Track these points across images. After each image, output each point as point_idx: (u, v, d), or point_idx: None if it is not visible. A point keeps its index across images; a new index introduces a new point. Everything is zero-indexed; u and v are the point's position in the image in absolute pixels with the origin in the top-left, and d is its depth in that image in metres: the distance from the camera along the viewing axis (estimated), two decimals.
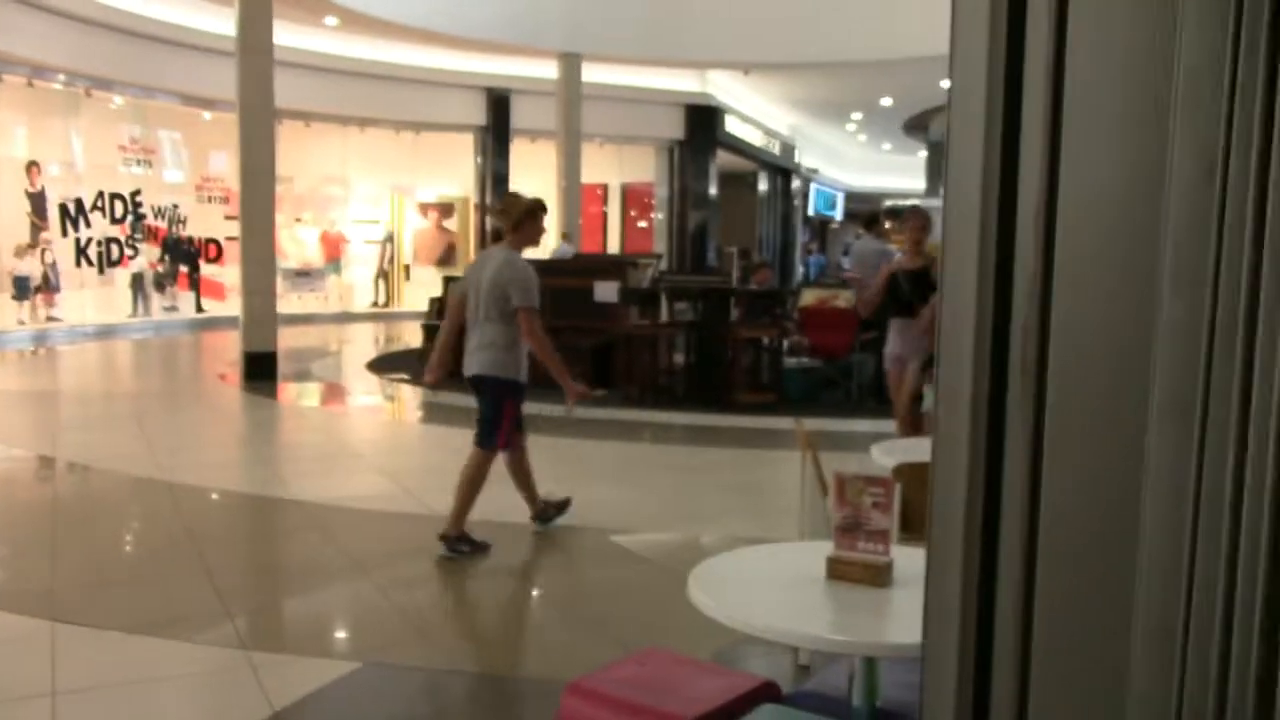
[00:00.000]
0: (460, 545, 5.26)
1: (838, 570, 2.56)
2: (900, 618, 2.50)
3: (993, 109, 1.14)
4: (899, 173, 35.39)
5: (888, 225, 10.83)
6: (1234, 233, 0.92)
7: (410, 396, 11.46)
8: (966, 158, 1.17)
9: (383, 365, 13.53)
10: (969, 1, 1.15)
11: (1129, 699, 1.02)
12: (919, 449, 4.60)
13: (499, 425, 5.34)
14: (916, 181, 30.22)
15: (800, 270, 28.78)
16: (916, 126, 26.42)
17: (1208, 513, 0.94)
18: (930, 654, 1.22)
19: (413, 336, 15.47)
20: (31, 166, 17.29)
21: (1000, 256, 1.14)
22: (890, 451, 4.41)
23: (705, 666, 2.99)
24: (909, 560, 2.67)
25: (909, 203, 37.06)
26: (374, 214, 23.02)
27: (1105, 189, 1.05)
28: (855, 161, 36.18)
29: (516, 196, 5.62)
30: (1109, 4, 1.05)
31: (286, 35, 13.69)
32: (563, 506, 5.84)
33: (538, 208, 5.47)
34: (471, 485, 5.34)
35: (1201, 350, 0.94)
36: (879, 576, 2.53)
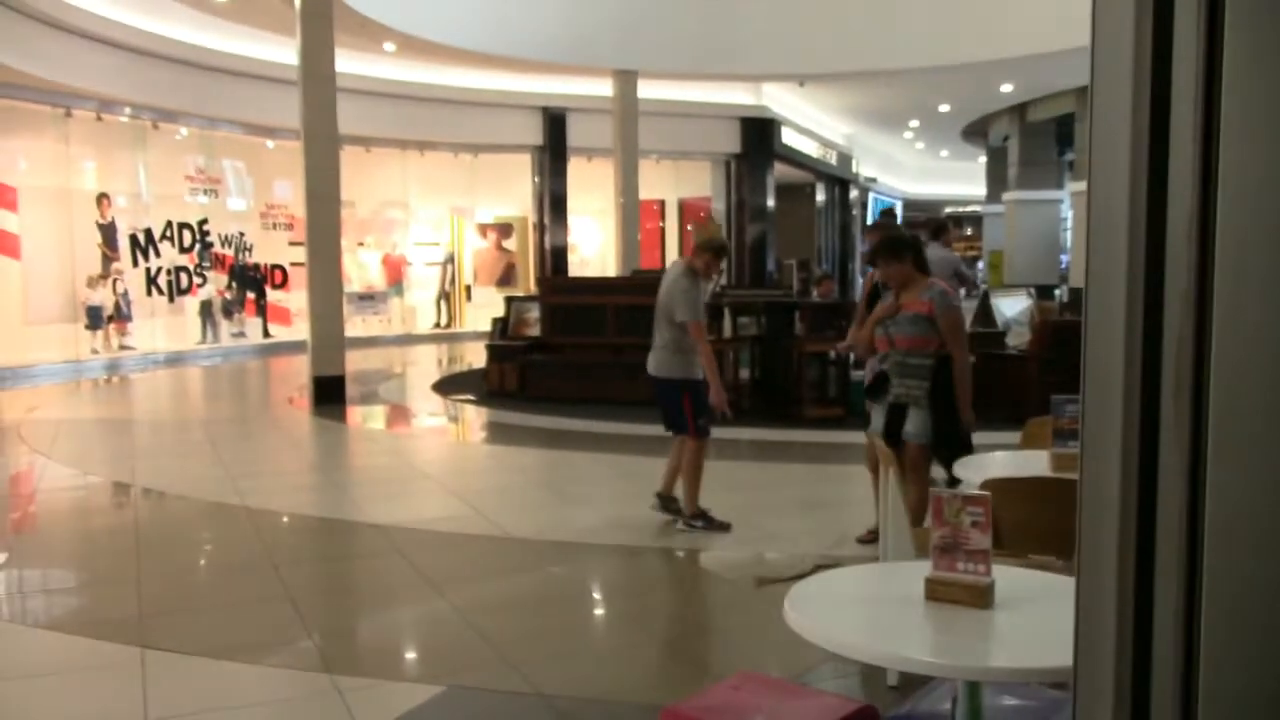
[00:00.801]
0: (695, 521, 6.04)
1: (937, 591, 2.50)
2: (1005, 640, 2.43)
3: (1139, 113, 1.09)
4: (958, 179, 35.08)
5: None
6: None
7: (475, 417, 11.51)
8: (1110, 169, 1.11)
9: (448, 386, 13.63)
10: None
11: None
12: (998, 463, 4.51)
13: (684, 416, 6.06)
14: (976, 188, 29.93)
15: (860, 280, 28.57)
16: (975, 132, 26.14)
17: None
18: (1083, 691, 1.16)
19: (475, 357, 15.56)
20: (102, 199, 17.70)
21: (1150, 271, 1.08)
22: (974, 466, 4.32)
23: (801, 690, 2.93)
24: (1008, 580, 2.60)
25: (970, 209, 36.60)
26: (434, 236, 23.24)
27: (1270, 202, 1.00)
28: (913, 169, 35.91)
29: (704, 227, 6.33)
30: None
31: (346, 62, 13.89)
32: (710, 521, 6.13)
33: (714, 249, 6.09)
34: (692, 471, 6.11)
35: None
36: (980, 598, 2.47)
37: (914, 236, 5.58)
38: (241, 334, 19.81)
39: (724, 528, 6.03)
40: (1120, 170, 1.10)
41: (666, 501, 6.23)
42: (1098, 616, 1.14)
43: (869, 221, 32.21)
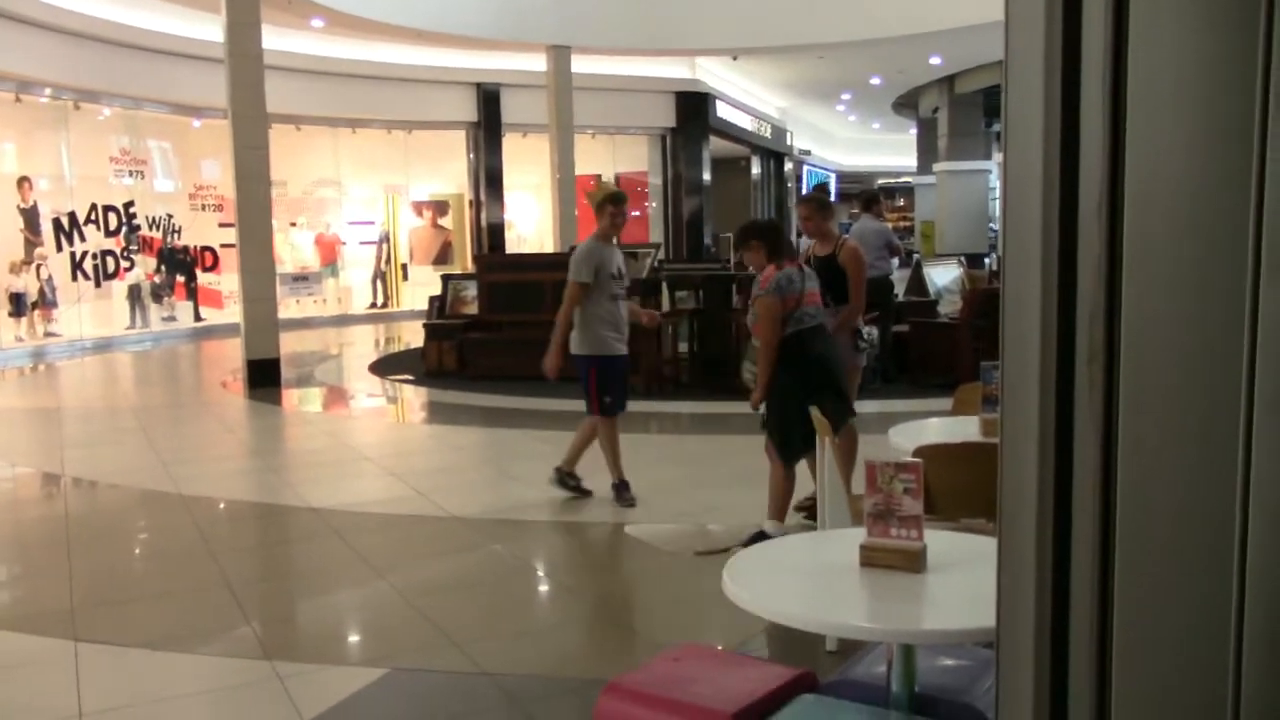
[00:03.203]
0: (569, 478, 6.19)
1: (872, 557, 2.54)
2: (938, 604, 2.49)
3: (1051, 86, 1.10)
4: (890, 151, 35.41)
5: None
6: None
7: (413, 397, 11.44)
8: (1024, 141, 1.13)
9: (385, 367, 13.51)
10: None
11: (1241, 702, 0.99)
12: (932, 430, 4.58)
13: (590, 395, 5.96)
14: (907, 159, 30.21)
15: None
16: (906, 104, 26.36)
17: None
18: (1005, 645, 1.19)
19: (413, 336, 15.43)
20: (23, 182, 17.21)
21: (1064, 241, 1.11)
22: (907, 433, 4.39)
23: (741, 659, 2.97)
24: (940, 544, 2.65)
25: (902, 181, 37.05)
26: (369, 215, 22.95)
27: (1176, 171, 1.02)
28: (846, 142, 36.17)
29: (595, 187, 6.14)
30: None
31: (274, 39, 13.61)
32: (578, 487, 6.22)
33: (605, 200, 5.99)
34: (582, 440, 6.17)
35: None
36: (913, 562, 2.51)
37: (771, 223, 5.74)
38: (172, 318, 19.42)
39: (631, 503, 6.03)
40: (1033, 144, 1.11)
41: (564, 477, 6.22)
42: (1018, 577, 1.17)
43: (804, 194, 32.47)
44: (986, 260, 20.26)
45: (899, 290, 11.44)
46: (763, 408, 5.21)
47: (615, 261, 5.98)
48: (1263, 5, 0.95)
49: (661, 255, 17.50)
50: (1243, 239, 0.97)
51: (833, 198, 38.96)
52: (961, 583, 2.48)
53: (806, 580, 2.68)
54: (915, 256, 16.80)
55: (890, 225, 10.77)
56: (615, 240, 6.11)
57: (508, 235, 22.64)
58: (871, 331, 6.14)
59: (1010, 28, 1.15)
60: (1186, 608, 1.05)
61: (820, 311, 5.21)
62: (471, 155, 22.62)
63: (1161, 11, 1.03)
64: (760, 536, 4.91)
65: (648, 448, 8.19)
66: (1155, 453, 1.05)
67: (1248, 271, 0.97)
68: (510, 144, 22.43)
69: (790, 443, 5.09)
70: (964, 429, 4.23)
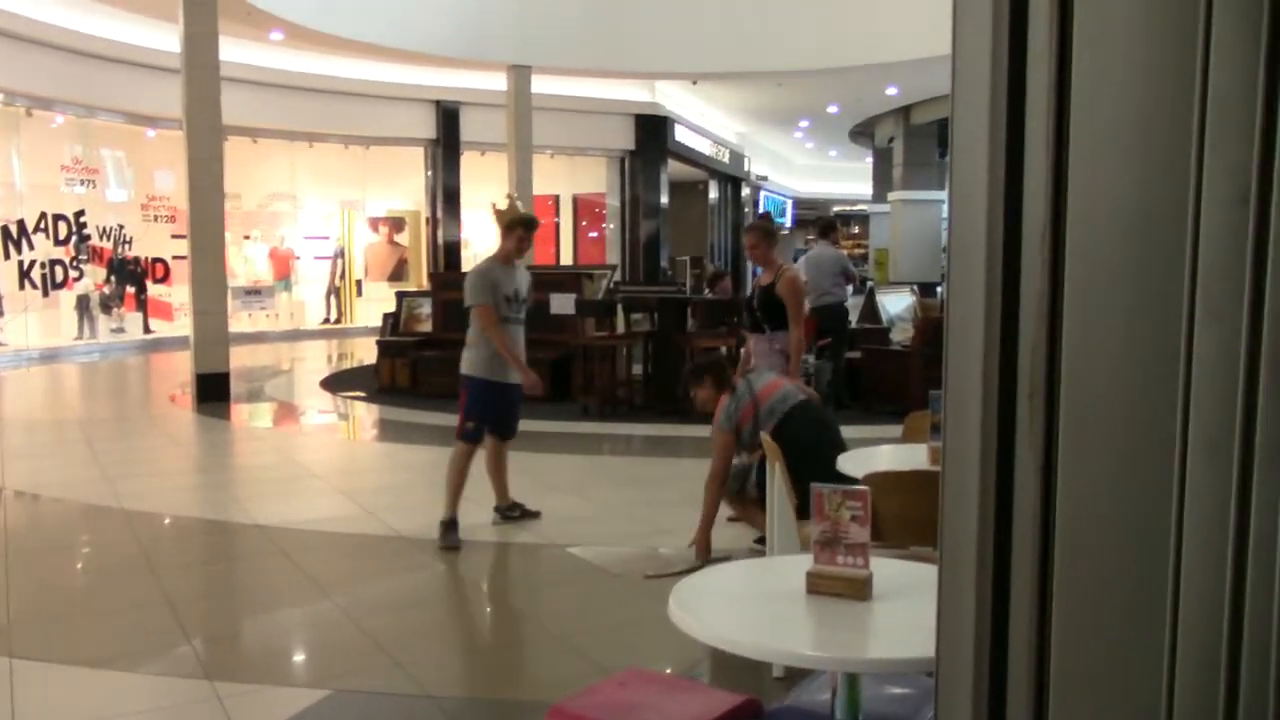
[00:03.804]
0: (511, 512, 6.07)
1: (818, 585, 2.54)
2: (883, 632, 2.49)
3: (996, 123, 1.12)
4: (847, 178, 35.74)
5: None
6: (1277, 262, 0.90)
7: (365, 414, 11.33)
8: (969, 174, 1.14)
9: (337, 383, 13.38)
10: (970, 13, 1.13)
11: None
12: (883, 457, 4.61)
13: (462, 421, 5.80)
14: (863, 187, 30.51)
15: (751, 279, 28.91)
16: (862, 133, 26.67)
17: (1258, 549, 0.93)
18: (944, 674, 1.19)
19: (366, 353, 15.30)
20: None
21: (1007, 273, 1.12)
22: (857, 460, 4.41)
23: (686, 685, 2.96)
24: (886, 572, 2.66)
25: (857, 208, 37.29)
26: (324, 230, 22.78)
27: (1116, 208, 1.04)
28: (803, 169, 36.48)
29: (499, 209, 5.90)
30: (1112, 12, 1.03)
31: (231, 50, 13.51)
32: (524, 512, 6.14)
33: (513, 223, 5.80)
34: (492, 469, 6.04)
35: (1240, 383, 0.93)
36: (859, 590, 2.52)
37: (711, 360, 5.85)
38: (121, 329, 19.11)
39: (454, 546, 5.60)
40: (978, 179, 1.13)
41: (506, 511, 6.09)
42: (958, 607, 1.18)
43: (749, 222, 32.73)
44: (939, 289, 20.52)
45: (852, 317, 11.54)
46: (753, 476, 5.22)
47: (513, 284, 5.75)
48: (1199, 45, 0.97)
49: (618, 277, 17.54)
50: (1179, 277, 0.99)
51: (789, 224, 38.96)
52: (907, 611, 2.48)
53: (753, 606, 2.68)
54: (869, 284, 16.96)
55: (846, 252, 10.87)
56: (516, 263, 5.86)
57: (464, 253, 22.57)
58: (808, 360, 6.14)
59: (957, 64, 1.16)
60: (1122, 638, 1.06)
61: (792, 392, 5.03)
62: (429, 172, 22.55)
63: (1103, 51, 1.05)
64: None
65: (599, 469, 8.17)
66: (1093, 485, 1.07)
67: (1183, 309, 0.99)
68: (469, 162, 22.39)
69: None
70: (913, 456, 4.25)
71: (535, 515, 6.13)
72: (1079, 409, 1.07)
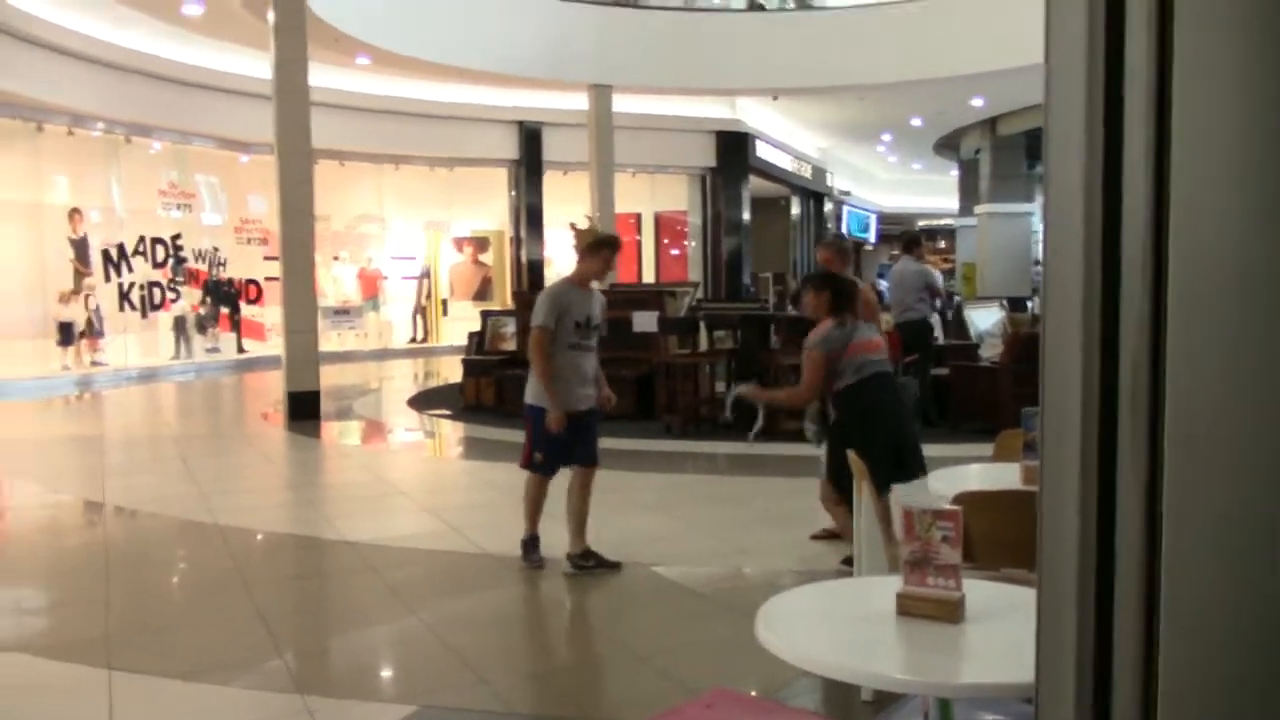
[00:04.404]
0: (583, 561, 5.57)
1: (908, 606, 2.50)
2: (976, 656, 2.44)
3: (1092, 133, 1.09)
4: (931, 192, 35.28)
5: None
6: None
7: (451, 432, 11.47)
8: (1065, 188, 1.12)
9: (423, 401, 13.57)
10: (1062, 21, 1.11)
11: None
12: (973, 476, 4.52)
13: (528, 449, 5.64)
14: (949, 200, 30.08)
15: None
16: (947, 145, 26.31)
17: None
18: (1044, 701, 1.16)
19: (452, 371, 15.52)
20: (74, 213, 17.56)
21: (1106, 289, 1.09)
22: (947, 479, 4.33)
23: (774, 707, 2.93)
24: (979, 594, 2.60)
25: (943, 222, 36.68)
26: (410, 250, 23.19)
27: (1221, 220, 1.00)
28: (887, 183, 36.11)
29: (577, 228, 5.65)
30: (1213, 16, 1.00)
31: (320, 76, 13.86)
32: (600, 561, 5.63)
33: (600, 243, 5.56)
34: (528, 500, 5.74)
35: None
36: (951, 612, 2.47)
37: (850, 280, 5.63)
38: (215, 349, 19.67)
39: (537, 564, 5.58)
40: (1074, 192, 1.10)
41: (579, 560, 5.57)
42: (1058, 632, 1.15)
43: (824, 239, 32.48)
44: (1029, 304, 20.13)
45: (939, 333, 11.37)
46: (823, 450, 5.22)
47: (587, 309, 5.49)
48: None
49: (700, 294, 17.55)
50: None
51: (873, 239, 38.58)
52: (1001, 634, 2.43)
53: (841, 628, 2.64)
54: (956, 299, 16.71)
55: (932, 267, 10.75)
56: (596, 285, 5.67)
57: (547, 272, 22.77)
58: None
59: (1051, 74, 1.14)
60: (1234, 664, 1.02)
61: (882, 359, 5.19)
62: (512, 192, 22.83)
63: (1205, 58, 1.01)
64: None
65: (682, 488, 8.15)
66: (1201, 505, 1.03)
67: None
68: (551, 181, 22.62)
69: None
70: (1005, 476, 4.16)
71: (614, 567, 5.59)
72: (1185, 425, 1.04)
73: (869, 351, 5.13)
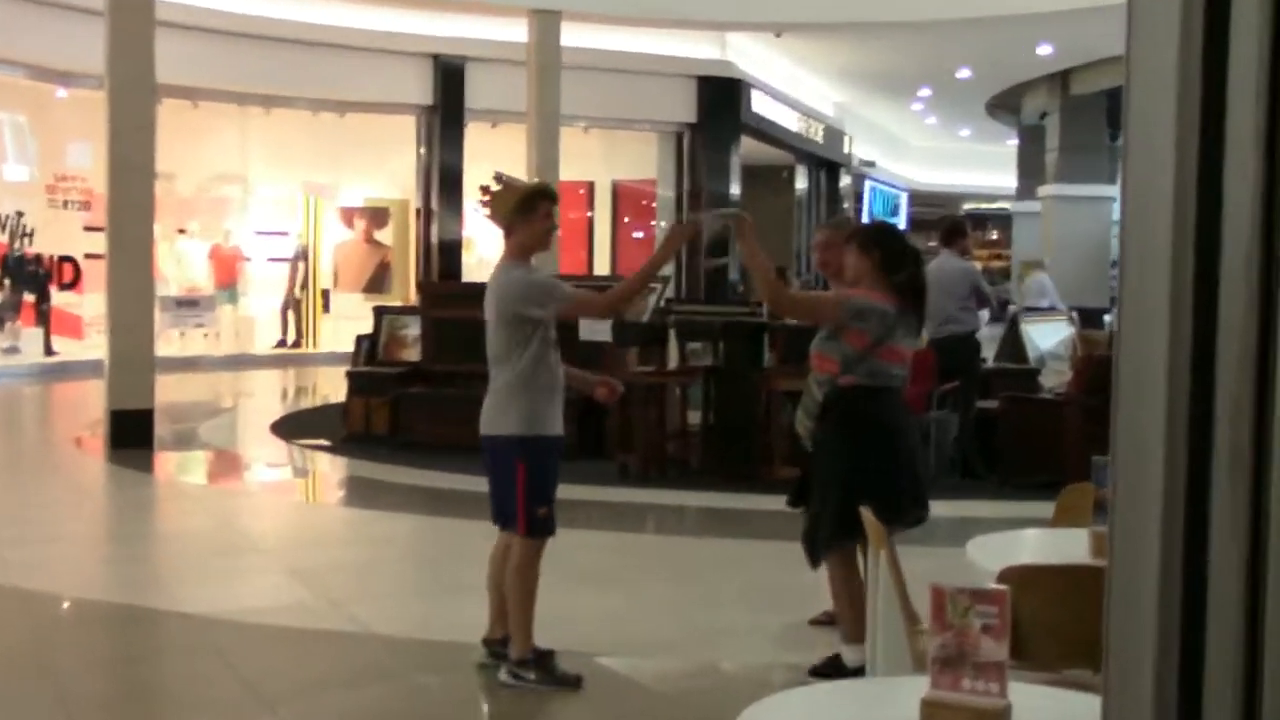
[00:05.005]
0: (524, 671, 5.19)
1: (937, 717, 2.52)
2: None
3: (1186, 96, 1.11)
4: (981, 166, 35.66)
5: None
6: None
7: (329, 470, 11.41)
8: (1149, 165, 1.13)
9: (293, 427, 13.48)
10: None
11: None
12: (1027, 545, 4.56)
13: (514, 502, 5.31)
14: (1004, 178, 30.44)
15: None
16: (1004, 106, 26.62)
17: None
18: None
19: (332, 388, 15.42)
20: None
21: (1200, 299, 1.10)
22: (991, 548, 4.37)
23: None
24: (1030, 701, 2.63)
25: (996, 207, 37.03)
26: (282, 223, 23.07)
27: None
28: (923, 152, 36.45)
29: (502, 185, 5.48)
30: None
31: None
32: (561, 677, 5.36)
33: (537, 195, 5.45)
34: (519, 585, 5.33)
35: None
36: None
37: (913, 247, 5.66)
38: (14, 349, 19.40)
39: (572, 682, 5.25)
40: (1162, 171, 1.12)
41: (496, 647, 5.39)
42: None
43: (867, 218, 32.62)
44: (1107, 318, 20.36)
45: (987, 353, 11.46)
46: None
47: None
48: None
49: (670, 293, 17.56)
50: None
51: (903, 224, 38.91)
52: None
53: None
54: (1011, 309, 16.87)
55: (978, 265, 10.84)
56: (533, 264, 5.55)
57: (465, 258, 22.74)
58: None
59: (1134, 11, 1.16)
60: None
61: (902, 374, 5.29)
62: (422, 149, 22.79)
63: None
64: (835, 667, 5.00)
65: (640, 552, 8.15)
66: None
67: None
68: (476, 136, 22.59)
69: (823, 530, 5.15)
70: (1069, 545, 4.20)
71: (575, 683, 5.33)
72: None
73: (896, 361, 5.20)
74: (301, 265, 23.02)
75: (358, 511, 9.83)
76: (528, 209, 5.35)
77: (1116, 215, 24.25)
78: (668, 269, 23.71)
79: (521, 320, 5.20)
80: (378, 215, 23.78)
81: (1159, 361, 1.12)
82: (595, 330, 10.57)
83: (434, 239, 22.49)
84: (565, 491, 8.69)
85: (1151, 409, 1.13)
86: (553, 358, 5.35)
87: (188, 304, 21.63)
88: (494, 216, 5.44)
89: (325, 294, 23.31)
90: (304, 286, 23.03)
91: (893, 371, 5.18)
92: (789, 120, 26.82)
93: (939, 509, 8.49)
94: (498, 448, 5.34)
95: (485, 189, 5.52)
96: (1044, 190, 23.58)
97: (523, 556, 5.25)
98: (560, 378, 5.40)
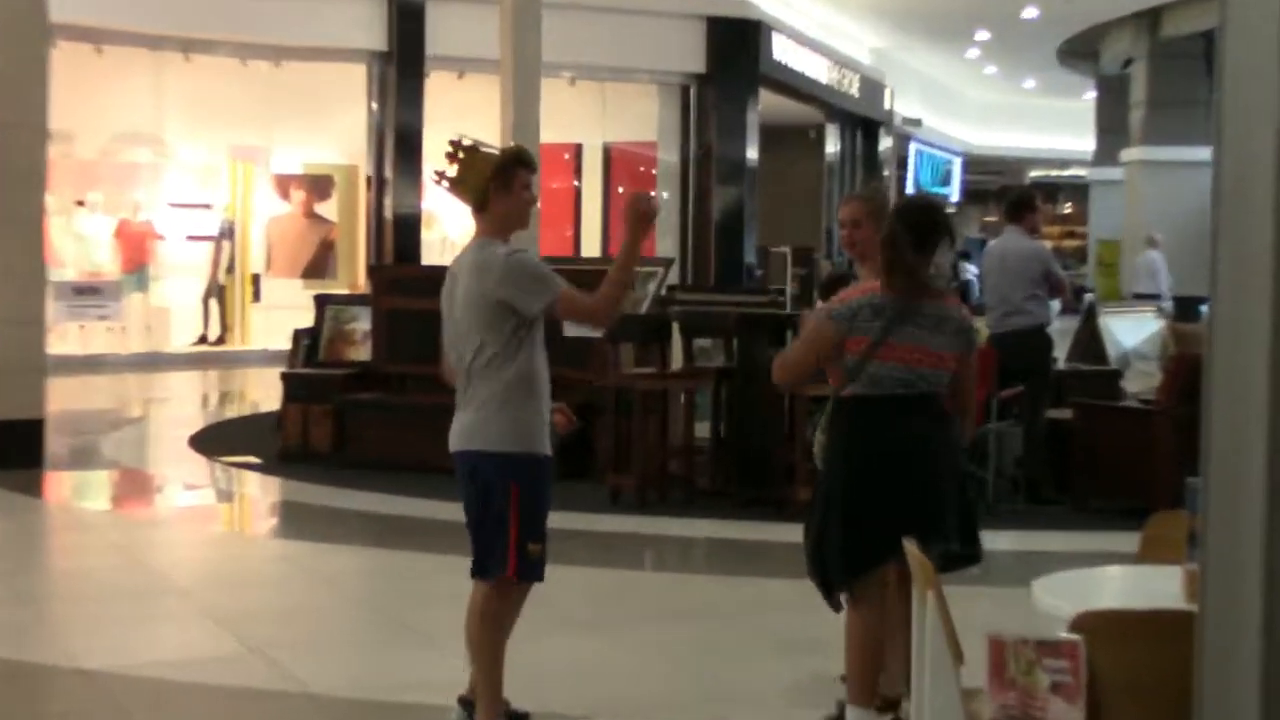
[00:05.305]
0: None
1: None
2: None
3: None
4: (1051, 125, 35.67)
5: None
6: None
7: (260, 494, 11.40)
8: (1247, 124, 1.13)
9: (216, 441, 13.46)
10: None
11: None
12: (1108, 586, 4.55)
13: (504, 536, 5.26)
14: (1079, 140, 30.47)
15: None
16: (1079, 53, 26.63)
17: None
18: None
19: (264, 393, 15.41)
20: None
21: None
22: (1062, 589, 4.35)
23: None
24: None
25: (1069, 174, 37.08)
26: (203, 194, 23.04)
27: None
28: (981, 108, 36.47)
29: (471, 151, 5.47)
30: None
31: None
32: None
33: (513, 163, 5.43)
34: (488, 633, 5.36)
35: None
36: None
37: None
38: None
39: None
40: (1260, 131, 1.11)
41: (472, 708, 5.47)
42: None
43: (911, 188, 32.64)
44: (1203, 309, 20.43)
45: (1059, 351, 11.45)
46: None
47: None
48: None
49: (675, 278, 17.54)
50: None
51: (954, 197, 38.90)
52: None
53: None
54: (1089, 298, 16.89)
55: (1049, 245, 10.81)
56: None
57: (426, 236, 22.73)
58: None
59: None
60: None
61: (930, 382, 5.21)
62: (374, 106, 22.77)
63: None
64: None
65: (634, 593, 8.14)
66: None
67: None
68: (438, 88, 22.58)
69: (832, 563, 5.16)
70: (1157, 585, 4.18)
71: (522, 718, 5.59)
72: None
73: (914, 363, 5.12)
74: (227, 245, 22.95)
75: (294, 544, 9.80)
76: (504, 180, 5.35)
77: None
78: (669, 250, 23.73)
79: (507, 311, 5.17)
80: (320, 185, 23.75)
81: (1258, 361, 1.11)
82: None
83: (388, 213, 22.47)
84: (551, 520, 8.78)
85: (1250, 419, 1.12)
86: (543, 360, 5.36)
87: (88, 291, 21.62)
88: (461, 189, 5.44)
89: (256, 279, 23.26)
90: (230, 270, 22.99)
91: (896, 375, 5.13)
92: (818, 70, 26.84)
93: (998, 541, 8.51)
94: (482, 468, 5.29)
95: (452, 154, 5.49)
96: (1128, 154, 23.58)
97: (502, 601, 5.26)
98: (549, 387, 5.40)
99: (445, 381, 5.57)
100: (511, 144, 5.64)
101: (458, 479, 5.40)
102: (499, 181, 5.34)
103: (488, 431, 5.22)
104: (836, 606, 5.32)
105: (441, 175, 5.47)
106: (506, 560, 5.19)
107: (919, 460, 5.20)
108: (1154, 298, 18.22)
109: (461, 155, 5.44)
